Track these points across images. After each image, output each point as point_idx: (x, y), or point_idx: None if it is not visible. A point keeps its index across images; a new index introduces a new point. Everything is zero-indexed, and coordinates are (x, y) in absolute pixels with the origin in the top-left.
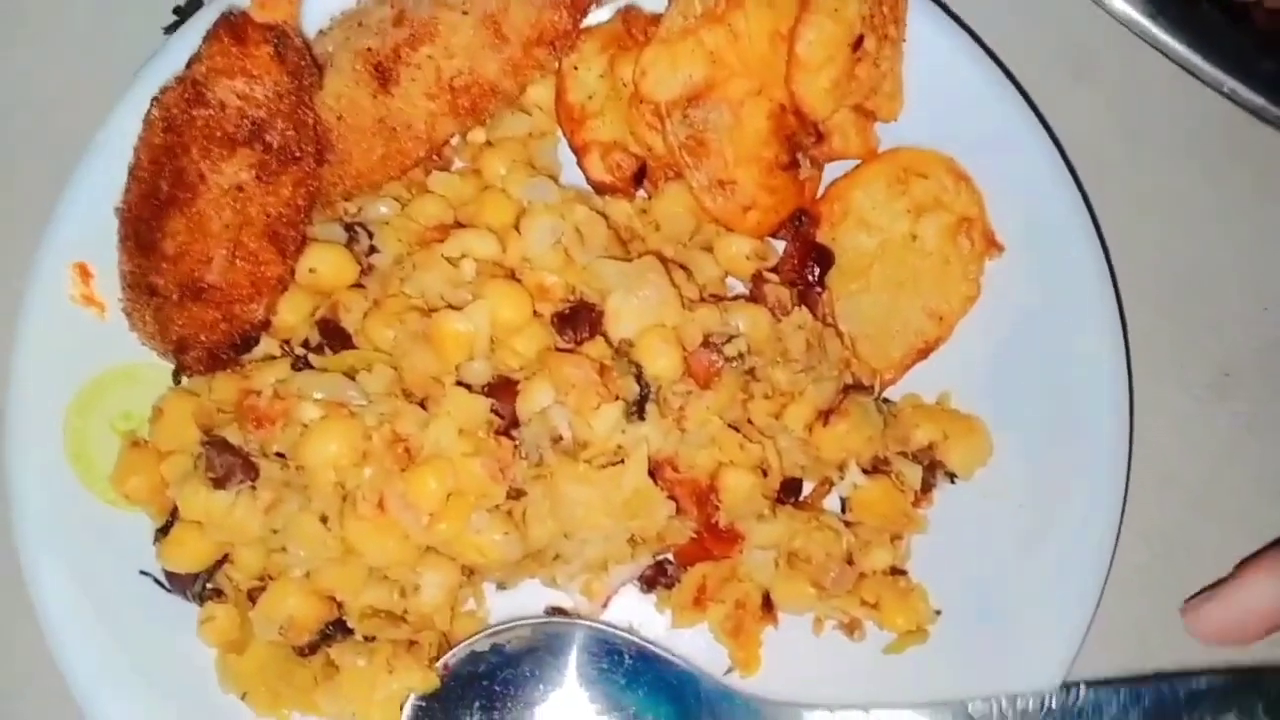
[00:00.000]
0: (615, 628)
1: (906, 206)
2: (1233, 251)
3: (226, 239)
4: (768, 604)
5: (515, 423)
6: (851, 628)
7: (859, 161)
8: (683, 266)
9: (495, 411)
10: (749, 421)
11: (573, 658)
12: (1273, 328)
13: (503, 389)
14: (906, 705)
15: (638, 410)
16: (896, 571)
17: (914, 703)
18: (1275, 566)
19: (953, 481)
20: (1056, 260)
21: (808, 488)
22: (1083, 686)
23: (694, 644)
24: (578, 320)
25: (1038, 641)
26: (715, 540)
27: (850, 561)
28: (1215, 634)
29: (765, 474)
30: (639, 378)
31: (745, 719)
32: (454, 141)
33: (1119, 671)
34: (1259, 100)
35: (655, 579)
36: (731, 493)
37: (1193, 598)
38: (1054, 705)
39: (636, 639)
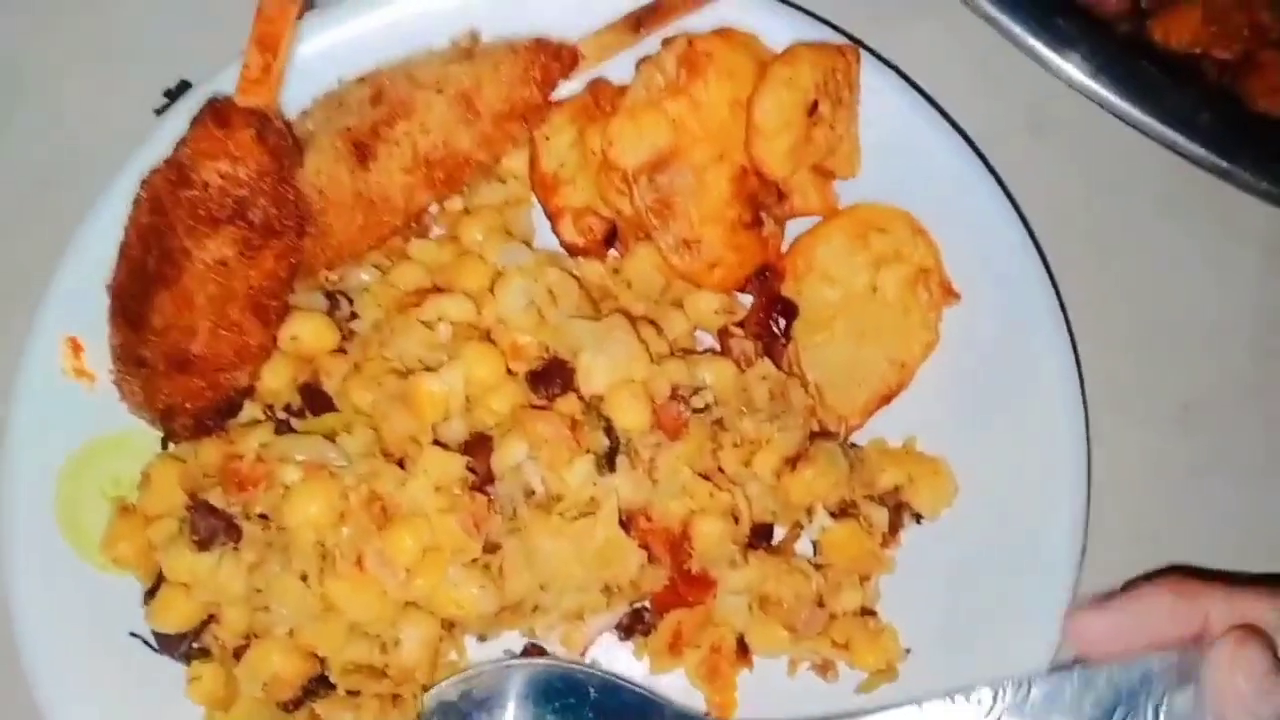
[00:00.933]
0: (575, 663)
1: (867, 260)
2: (1187, 288)
3: (211, 312)
4: (743, 648)
5: (491, 479)
6: (825, 669)
7: (820, 218)
8: (653, 322)
9: (470, 469)
10: (719, 470)
11: (531, 696)
12: (1230, 362)
13: (478, 446)
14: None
15: (608, 462)
16: (866, 612)
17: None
18: (1179, 587)
19: (919, 522)
20: (1011, 304)
21: (780, 533)
22: (1034, 681)
23: (673, 687)
24: (550, 377)
25: (1006, 674)
26: (689, 587)
27: (821, 604)
28: (1096, 643)
29: (736, 520)
30: (609, 431)
31: None
32: (433, 209)
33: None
34: (1200, 151)
35: (633, 626)
36: (703, 540)
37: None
38: (1007, 700)
39: (598, 671)
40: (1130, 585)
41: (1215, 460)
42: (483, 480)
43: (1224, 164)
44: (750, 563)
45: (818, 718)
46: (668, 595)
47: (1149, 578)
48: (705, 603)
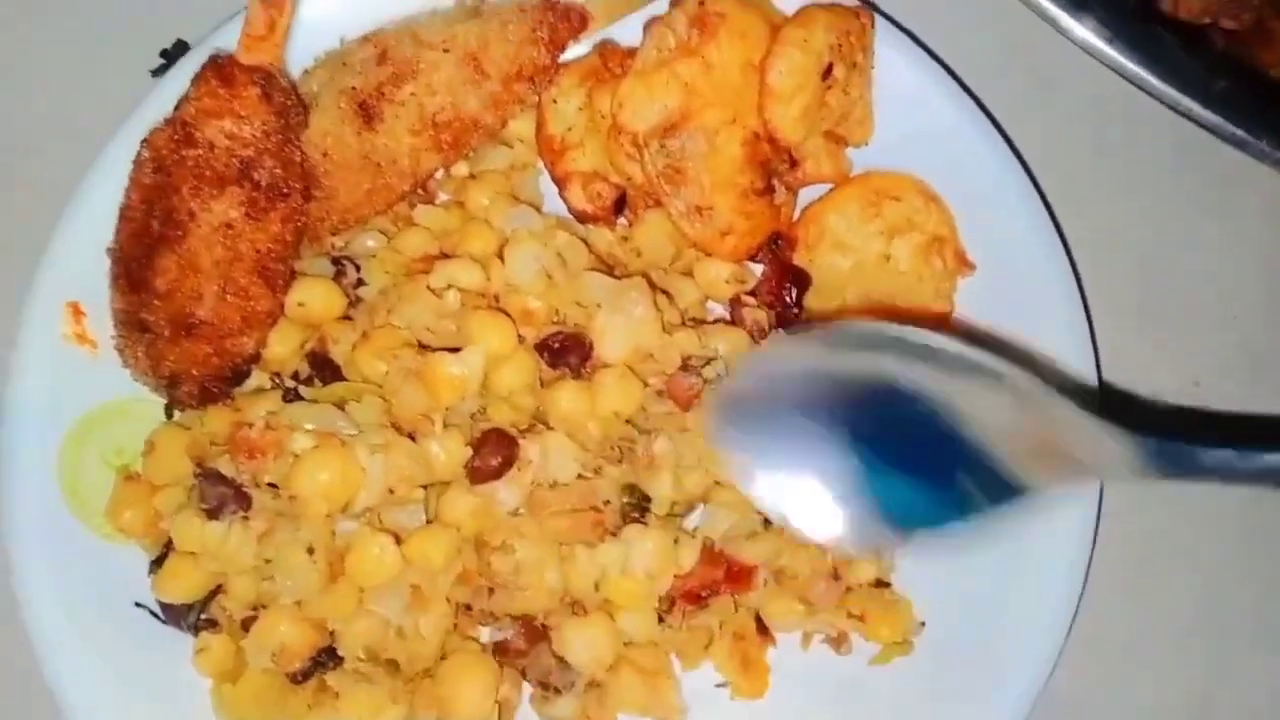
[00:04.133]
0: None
1: (880, 228)
2: (1200, 263)
3: (217, 275)
4: (762, 625)
5: (499, 474)
6: (839, 642)
7: (832, 186)
8: (664, 291)
9: (478, 465)
10: None
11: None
12: (1241, 336)
13: (494, 440)
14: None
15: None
16: (881, 584)
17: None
18: None
19: None
20: (1025, 275)
21: None
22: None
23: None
24: (566, 352)
25: (1019, 646)
26: (732, 581)
27: (836, 576)
28: None
29: None
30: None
31: None
32: (438, 175)
33: (1103, 674)
34: (1215, 118)
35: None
36: (723, 513)
37: None
38: None
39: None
40: None
41: (1226, 434)
42: (489, 477)
43: (1239, 132)
44: (768, 535)
45: None
46: (695, 589)
47: None
48: (752, 590)
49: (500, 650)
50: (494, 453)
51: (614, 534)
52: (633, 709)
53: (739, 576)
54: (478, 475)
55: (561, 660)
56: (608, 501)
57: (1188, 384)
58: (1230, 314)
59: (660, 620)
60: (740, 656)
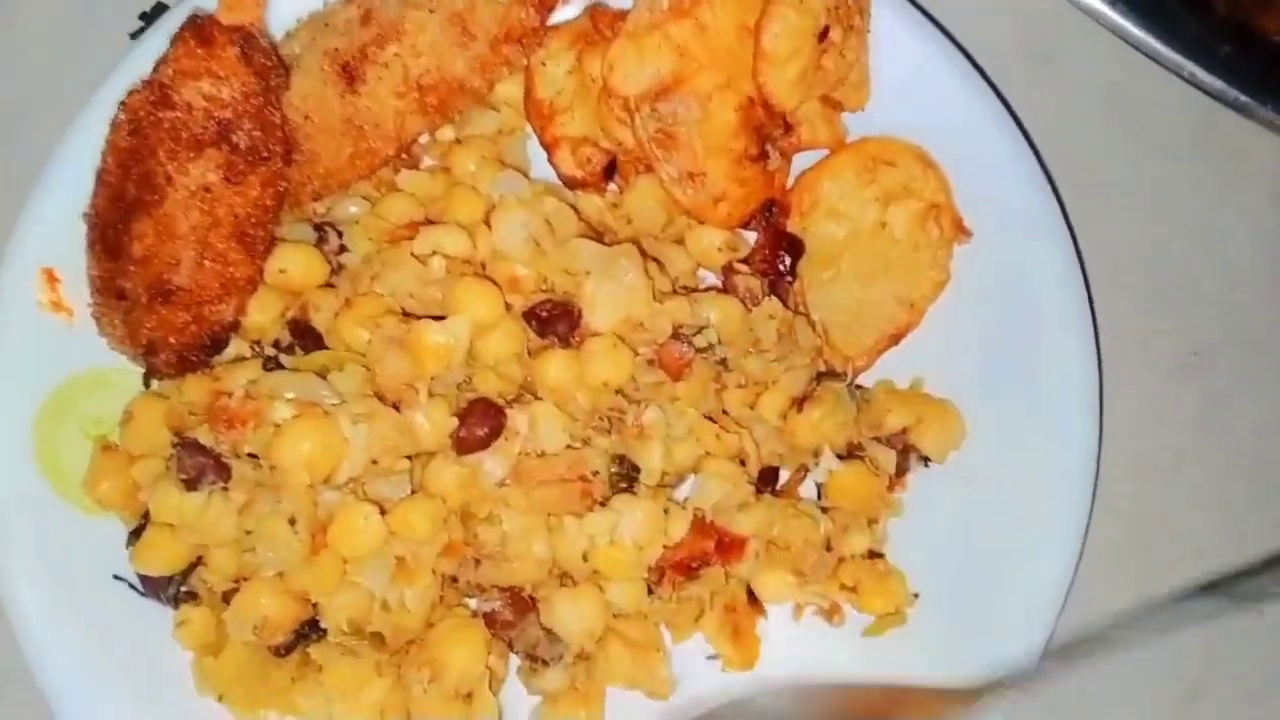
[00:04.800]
0: None
1: (875, 195)
2: (1199, 232)
3: (195, 241)
4: (752, 597)
5: (485, 445)
6: (831, 613)
7: (827, 152)
8: (655, 260)
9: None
10: (724, 412)
11: None
12: (1239, 307)
13: (480, 410)
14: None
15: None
16: (874, 555)
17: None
18: None
19: (926, 465)
20: (1024, 244)
21: (784, 476)
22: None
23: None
24: (557, 320)
25: (1014, 619)
26: (723, 552)
27: (828, 547)
28: None
29: (743, 464)
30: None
31: None
32: (423, 140)
33: None
34: (1218, 83)
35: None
36: (714, 483)
37: None
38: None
39: None
40: None
41: (1223, 406)
42: (476, 448)
43: (1242, 97)
44: (759, 505)
45: None
46: (685, 560)
47: None
48: (742, 560)
49: (488, 622)
50: (480, 423)
51: (603, 504)
52: (621, 681)
53: (730, 548)
54: (464, 445)
55: (550, 632)
56: (596, 472)
57: (1186, 354)
58: (1230, 286)
59: (650, 592)
60: (731, 628)
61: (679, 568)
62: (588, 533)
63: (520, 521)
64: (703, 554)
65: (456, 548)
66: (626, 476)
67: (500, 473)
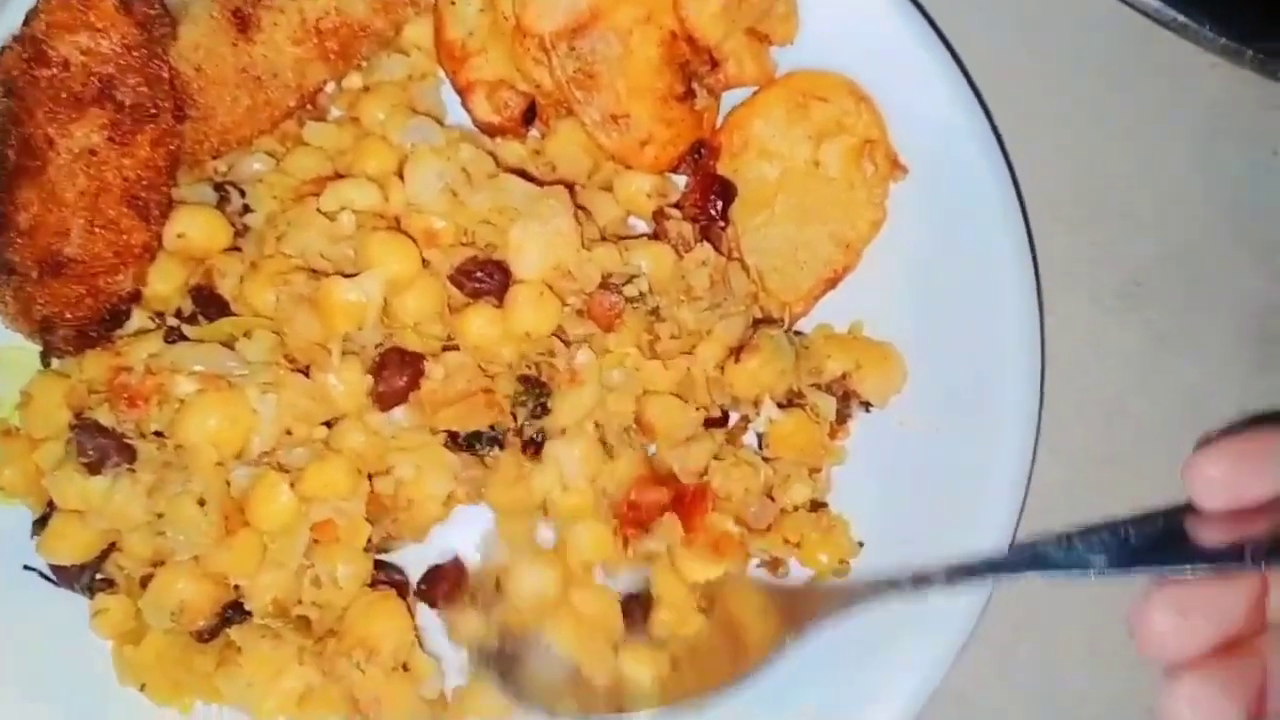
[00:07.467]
0: None
1: (807, 132)
2: (1139, 161)
3: (83, 208)
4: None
5: (404, 399)
6: (774, 565)
7: (756, 88)
8: (582, 208)
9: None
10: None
11: None
12: (1181, 236)
13: (395, 360)
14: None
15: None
16: (817, 505)
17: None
18: None
19: (868, 410)
20: (960, 179)
21: (733, 420)
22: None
23: None
24: (491, 282)
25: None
26: (686, 510)
27: (770, 497)
28: (1211, 489)
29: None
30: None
31: None
32: (328, 89)
33: (1041, 588)
34: (1155, 3)
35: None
36: (663, 419)
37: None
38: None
39: None
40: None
41: (1166, 335)
42: (398, 400)
43: (1180, 17)
44: (709, 437)
45: None
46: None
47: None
48: (707, 514)
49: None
50: (398, 372)
51: (520, 435)
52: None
53: (691, 502)
54: (384, 400)
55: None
56: (495, 377)
57: (1129, 284)
58: (1170, 214)
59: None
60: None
61: (632, 521)
62: (539, 488)
63: (412, 461)
64: (659, 507)
65: (377, 503)
66: (536, 399)
67: (409, 422)
